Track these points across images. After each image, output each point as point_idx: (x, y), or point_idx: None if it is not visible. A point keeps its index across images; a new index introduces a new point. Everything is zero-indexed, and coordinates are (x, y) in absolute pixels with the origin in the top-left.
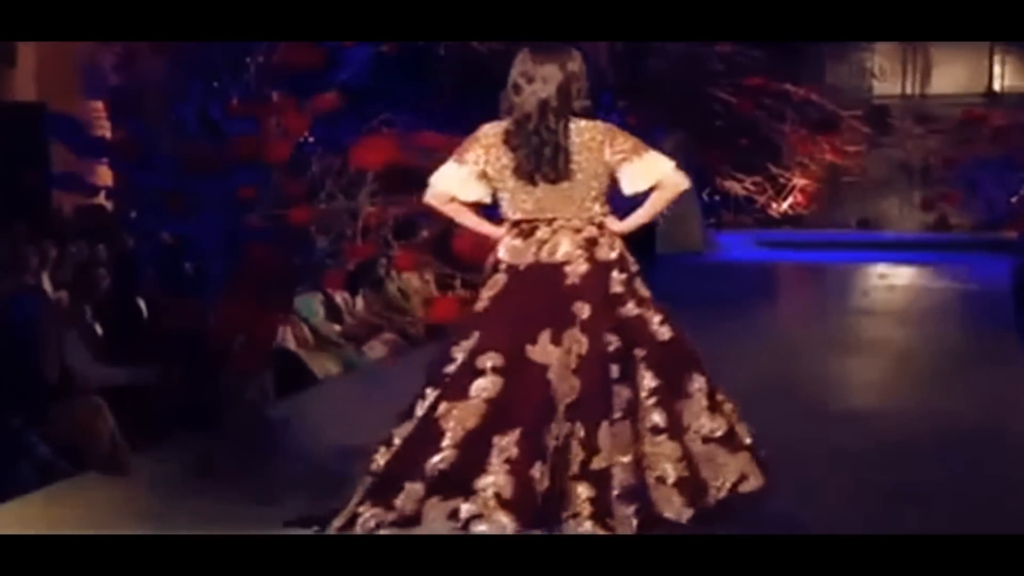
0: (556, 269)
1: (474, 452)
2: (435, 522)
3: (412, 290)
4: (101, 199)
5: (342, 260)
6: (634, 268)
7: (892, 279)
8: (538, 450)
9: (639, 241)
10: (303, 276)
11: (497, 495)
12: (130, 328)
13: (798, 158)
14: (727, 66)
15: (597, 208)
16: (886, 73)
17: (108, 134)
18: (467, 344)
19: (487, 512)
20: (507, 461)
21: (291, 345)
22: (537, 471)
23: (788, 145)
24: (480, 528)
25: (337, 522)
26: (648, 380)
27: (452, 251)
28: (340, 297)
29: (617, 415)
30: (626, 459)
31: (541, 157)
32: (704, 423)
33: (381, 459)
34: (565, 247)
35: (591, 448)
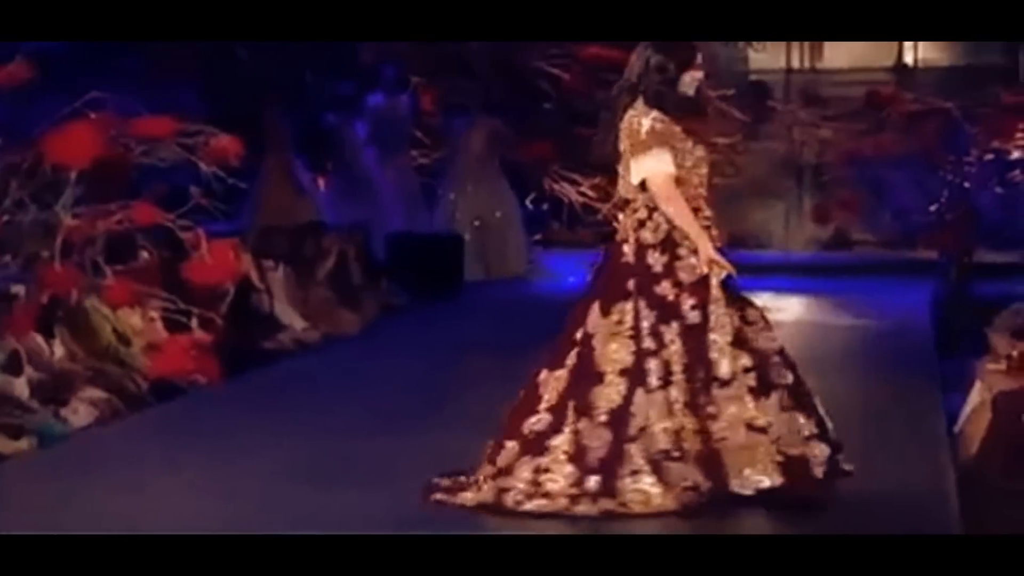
0: (618, 247)
1: (558, 414)
2: (522, 474)
3: (132, 331)
4: None
5: (33, 291)
6: (681, 252)
7: (777, 313)
8: (585, 410)
9: (440, 265)
10: None
11: (564, 451)
12: None
13: None
14: None
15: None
16: (765, 41)
17: None
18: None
19: (556, 466)
20: (573, 422)
21: None
22: (584, 428)
23: None
24: (549, 479)
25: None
26: (678, 356)
27: (184, 279)
28: (30, 342)
29: (654, 384)
30: (666, 425)
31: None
32: (746, 409)
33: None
34: (623, 227)
35: (635, 412)
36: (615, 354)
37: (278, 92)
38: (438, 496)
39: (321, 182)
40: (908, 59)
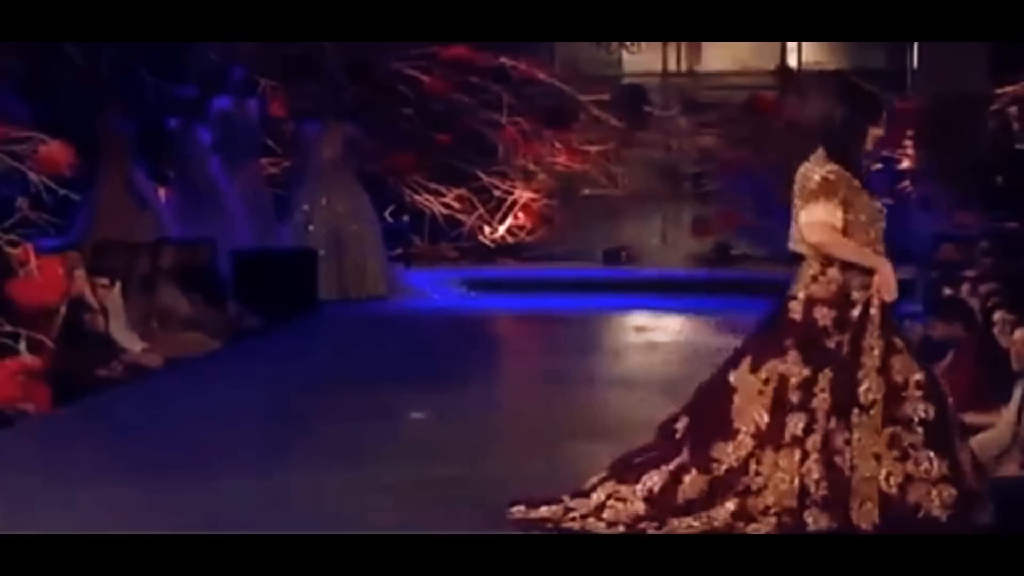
0: (787, 301)
1: (664, 452)
2: (595, 496)
3: None
4: None
5: None
6: (855, 300)
7: (654, 334)
8: (702, 462)
9: (293, 283)
10: None
11: (648, 488)
12: None
13: (519, 162)
14: None
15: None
16: (641, 43)
17: None
18: None
19: (631, 497)
20: (679, 469)
21: None
22: (687, 479)
23: (505, 144)
24: (613, 505)
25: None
26: (825, 404)
27: (10, 298)
28: None
29: (787, 440)
30: (787, 478)
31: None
32: (876, 439)
33: None
34: (797, 281)
35: (756, 472)
36: (754, 413)
37: (115, 94)
38: (519, 511)
39: (162, 193)
40: (792, 60)
